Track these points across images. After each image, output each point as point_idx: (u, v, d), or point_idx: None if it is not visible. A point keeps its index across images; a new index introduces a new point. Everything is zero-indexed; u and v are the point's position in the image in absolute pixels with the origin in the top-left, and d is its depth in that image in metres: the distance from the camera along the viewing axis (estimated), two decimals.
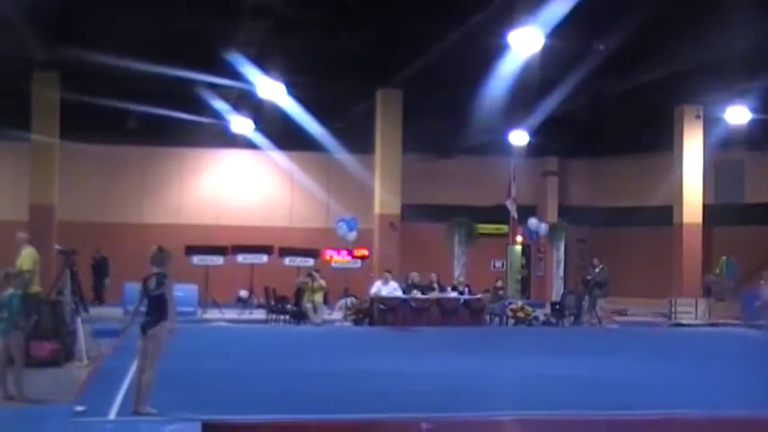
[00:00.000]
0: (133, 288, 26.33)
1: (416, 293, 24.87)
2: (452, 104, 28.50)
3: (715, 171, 33.25)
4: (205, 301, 26.92)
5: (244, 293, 28.77)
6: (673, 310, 28.55)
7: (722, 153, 31.98)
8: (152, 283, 10.41)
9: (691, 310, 28.47)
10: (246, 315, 26.69)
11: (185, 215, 33.41)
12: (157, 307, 10.34)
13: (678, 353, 19.65)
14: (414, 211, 31.22)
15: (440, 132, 31.97)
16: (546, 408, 11.36)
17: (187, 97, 27.56)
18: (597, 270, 26.82)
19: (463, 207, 31.84)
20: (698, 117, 30.46)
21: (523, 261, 37.16)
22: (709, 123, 30.15)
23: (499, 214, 31.42)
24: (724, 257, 28.86)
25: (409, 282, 25.42)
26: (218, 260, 27.71)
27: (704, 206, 30.92)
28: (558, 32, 20.39)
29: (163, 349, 10.44)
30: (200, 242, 28.71)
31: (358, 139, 30.72)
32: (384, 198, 29.04)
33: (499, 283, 27.22)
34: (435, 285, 25.50)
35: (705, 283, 29.02)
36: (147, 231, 32.28)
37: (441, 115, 29.95)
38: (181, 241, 28.87)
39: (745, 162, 34.28)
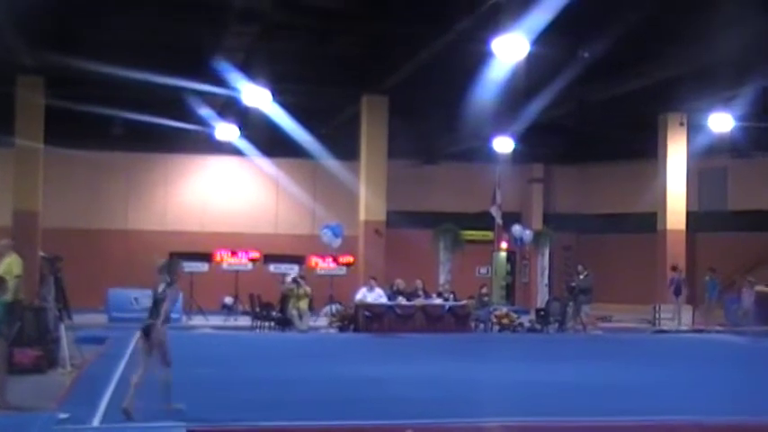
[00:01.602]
0: (117, 294, 26.46)
1: (401, 300, 24.88)
2: (438, 111, 28.58)
3: (699, 178, 33.42)
4: (190, 308, 26.85)
5: (229, 300, 28.71)
6: (657, 316, 28.63)
7: (706, 160, 32.14)
8: (160, 288, 10.83)
9: (674, 316, 28.55)
10: (231, 322, 26.64)
11: (170, 222, 33.35)
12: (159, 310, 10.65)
13: (662, 359, 19.70)
14: (399, 218, 31.23)
15: (425, 139, 32.04)
16: (531, 414, 11.38)
17: (173, 104, 27.52)
18: (582, 277, 26.86)
19: (449, 214, 31.85)
20: (682, 125, 30.59)
21: (509, 268, 37.23)
22: (694, 131, 30.28)
23: (485, 221, 31.45)
24: (706, 278, 28.92)
25: (394, 288, 25.42)
26: (203, 267, 27.62)
27: (688, 213, 31.03)
28: (544, 40, 20.44)
29: (167, 345, 10.63)
30: (185, 249, 28.59)
31: (344, 145, 30.72)
32: (369, 204, 29.03)
33: (484, 290, 27.21)
34: (420, 292, 25.51)
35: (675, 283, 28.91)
36: (133, 238, 32.32)
37: (426, 122, 30.01)
38: (166, 248, 28.73)
39: (729, 169, 34.47)
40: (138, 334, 10.67)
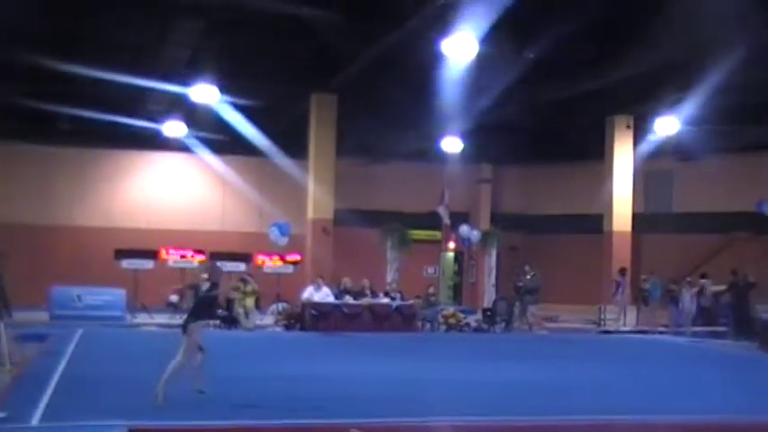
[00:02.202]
0: (60, 292, 26.03)
1: (348, 299, 24.83)
2: (387, 110, 28.56)
3: (645, 180, 33.81)
4: (134, 306, 26.55)
5: (174, 298, 28.39)
6: (602, 316, 28.90)
7: (652, 163, 32.50)
8: (204, 287, 11.86)
9: (619, 317, 28.85)
10: (177, 320, 26.33)
11: (117, 218, 32.90)
12: (200, 308, 11.82)
13: (605, 359, 19.89)
14: (347, 217, 31.21)
15: (374, 138, 32.00)
16: (476, 413, 11.40)
17: (120, 99, 27.20)
18: (528, 277, 27.03)
19: (397, 213, 31.87)
20: (629, 127, 30.96)
21: (456, 267, 37.36)
22: (640, 133, 30.63)
23: (433, 221, 31.52)
24: (643, 277, 29.23)
25: (342, 287, 25.36)
26: (149, 264, 27.31)
27: (634, 215, 31.39)
28: (493, 40, 20.56)
29: (197, 343, 11.74)
30: (131, 245, 28.29)
31: (292, 143, 30.60)
32: (317, 203, 28.99)
33: (431, 290, 27.29)
34: (368, 291, 25.48)
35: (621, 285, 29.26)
36: (78, 234, 31.89)
37: (376, 121, 29.99)
38: (111, 244, 28.48)
39: (674, 172, 34.93)
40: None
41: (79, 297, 25.76)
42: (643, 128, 30.21)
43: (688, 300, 26.17)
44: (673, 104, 27.33)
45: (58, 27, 22.73)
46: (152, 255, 27.64)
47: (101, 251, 29.10)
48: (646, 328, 27.51)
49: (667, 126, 28.71)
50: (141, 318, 26.22)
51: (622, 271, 29.50)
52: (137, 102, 27.97)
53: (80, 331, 20.92)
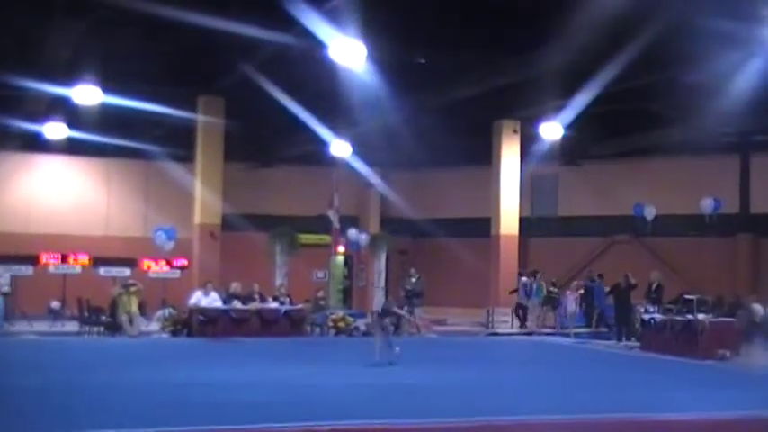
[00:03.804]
0: None
1: (237, 304, 24.52)
2: (276, 113, 28.34)
3: (531, 185, 34.38)
4: (12, 313, 25.68)
5: (55, 305, 27.62)
6: (490, 319, 29.24)
7: (538, 168, 33.07)
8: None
9: (507, 319, 29.26)
10: (58, 327, 25.63)
11: None
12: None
13: (492, 360, 20.17)
14: (236, 221, 30.89)
15: (263, 141, 31.75)
16: (364, 417, 11.35)
17: None
18: (414, 280, 27.22)
19: (286, 217, 31.73)
20: (515, 132, 31.41)
21: (345, 271, 37.34)
22: (527, 138, 31.12)
23: (322, 224, 31.41)
24: (534, 282, 29.71)
25: (230, 292, 25.03)
26: (28, 270, 26.50)
27: (521, 219, 31.87)
28: (382, 45, 20.57)
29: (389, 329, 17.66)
30: (8, 251, 27.45)
31: (179, 146, 30.12)
32: (205, 207, 28.61)
33: (321, 294, 27.16)
34: (256, 296, 25.20)
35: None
36: None
37: (264, 124, 29.75)
38: None
39: (559, 177, 35.64)
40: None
41: None
42: (530, 133, 30.68)
43: (571, 301, 26.73)
44: (557, 110, 27.83)
45: None
46: (32, 260, 26.85)
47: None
48: (533, 330, 27.98)
49: (552, 131, 29.23)
50: (20, 325, 25.36)
51: (533, 273, 29.80)
52: (15, 102, 27.06)
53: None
